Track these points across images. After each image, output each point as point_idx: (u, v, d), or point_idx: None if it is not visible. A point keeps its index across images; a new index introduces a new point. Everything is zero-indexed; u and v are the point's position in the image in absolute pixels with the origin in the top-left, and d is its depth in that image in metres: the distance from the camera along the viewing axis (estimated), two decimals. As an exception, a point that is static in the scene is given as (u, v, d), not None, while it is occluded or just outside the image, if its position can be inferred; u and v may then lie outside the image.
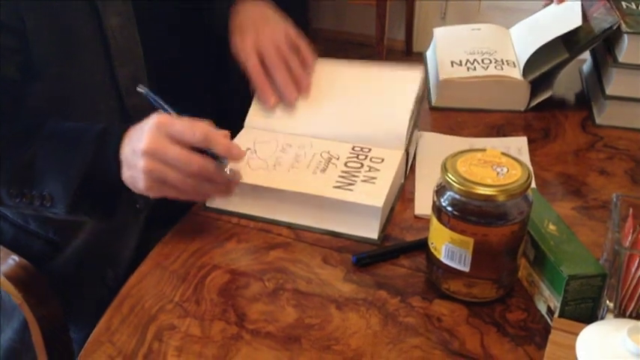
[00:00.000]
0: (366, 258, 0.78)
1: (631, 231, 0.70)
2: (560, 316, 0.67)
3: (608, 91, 1.03)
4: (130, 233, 0.94)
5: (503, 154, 0.72)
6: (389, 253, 0.80)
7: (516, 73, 1.09)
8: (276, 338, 0.68)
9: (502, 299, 0.73)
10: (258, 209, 0.84)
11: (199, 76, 1.02)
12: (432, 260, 0.74)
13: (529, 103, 1.09)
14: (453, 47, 1.18)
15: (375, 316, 0.72)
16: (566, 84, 1.17)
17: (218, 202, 0.86)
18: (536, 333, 0.69)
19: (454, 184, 0.68)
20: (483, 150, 0.73)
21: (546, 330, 0.67)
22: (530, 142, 1.01)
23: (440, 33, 1.25)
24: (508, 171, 0.70)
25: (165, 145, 0.73)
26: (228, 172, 0.78)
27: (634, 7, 1.06)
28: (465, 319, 0.71)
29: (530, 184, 0.69)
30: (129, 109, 0.88)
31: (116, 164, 0.77)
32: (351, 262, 0.78)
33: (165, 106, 0.79)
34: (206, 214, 0.86)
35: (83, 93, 0.86)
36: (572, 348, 0.59)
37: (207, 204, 0.87)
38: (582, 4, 1.08)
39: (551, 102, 1.11)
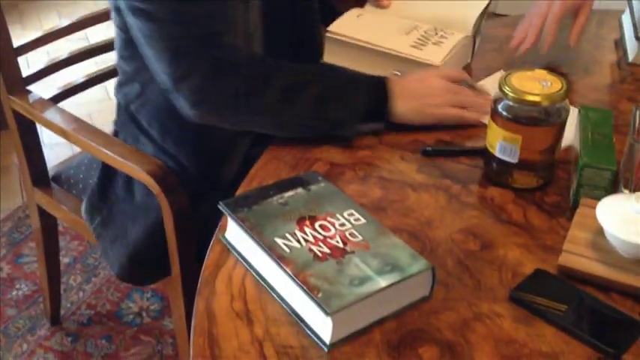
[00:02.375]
0: (431, 151, 1.00)
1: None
2: (574, 197, 0.88)
3: (639, 34, 1.21)
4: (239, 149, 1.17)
5: (548, 72, 0.93)
6: (450, 152, 1.02)
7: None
8: (367, 208, 0.90)
9: (542, 187, 0.95)
10: (358, 65, 1.10)
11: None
12: (489, 155, 0.95)
13: None
14: None
15: (442, 196, 0.94)
16: (607, 31, 1.36)
17: (332, 57, 1.14)
18: (567, 210, 0.90)
19: (509, 93, 0.89)
20: (533, 69, 0.93)
21: (576, 209, 0.88)
22: (571, 75, 1.20)
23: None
24: (551, 85, 0.90)
25: (451, 88, 1.06)
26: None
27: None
28: (512, 200, 0.93)
29: (566, 96, 0.89)
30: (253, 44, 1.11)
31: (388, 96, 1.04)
32: (422, 158, 1.00)
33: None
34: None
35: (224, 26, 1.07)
36: (594, 217, 0.80)
37: (325, 59, 1.14)
38: None
39: (594, 44, 1.30)
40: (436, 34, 1.16)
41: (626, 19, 1.33)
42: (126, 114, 1.24)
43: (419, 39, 1.14)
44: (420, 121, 1.05)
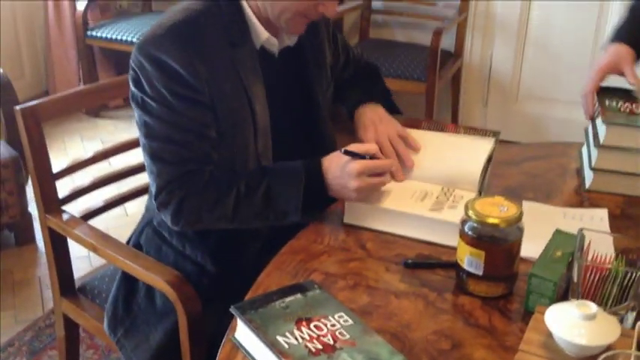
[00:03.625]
0: (411, 263, 1.18)
1: (588, 252, 1.08)
2: (525, 303, 1.05)
3: (593, 165, 1.42)
4: (249, 263, 1.36)
5: (505, 198, 1.12)
6: (427, 264, 1.19)
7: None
8: (356, 312, 1.06)
9: (505, 296, 1.11)
10: (380, 225, 1.28)
11: (308, 146, 1.46)
12: (459, 268, 1.13)
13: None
14: None
15: (420, 302, 1.10)
16: (568, 160, 1.57)
17: (354, 220, 1.30)
18: (525, 315, 1.06)
19: (473, 216, 1.08)
20: (493, 196, 1.13)
21: (531, 314, 1.04)
22: (534, 200, 1.39)
23: None
24: (508, 209, 1.09)
25: (366, 184, 1.26)
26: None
27: (614, 104, 1.46)
28: (480, 306, 1.09)
29: (520, 218, 1.08)
30: (261, 159, 1.35)
31: (323, 185, 1.28)
32: (404, 269, 1.17)
33: (355, 154, 1.29)
34: (303, 242, 1.27)
35: (242, 152, 1.33)
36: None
37: (345, 221, 1.30)
38: None
39: (557, 173, 1.50)
40: (447, 198, 1.30)
41: (584, 151, 1.54)
42: (150, 228, 1.45)
43: (435, 204, 1.28)
44: (349, 200, 1.30)
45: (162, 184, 1.30)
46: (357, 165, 1.27)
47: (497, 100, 3.59)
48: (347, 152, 1.29)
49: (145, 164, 1.35)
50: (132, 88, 1.31)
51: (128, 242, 1.55)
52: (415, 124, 1.47)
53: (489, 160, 1.39)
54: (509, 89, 3.54)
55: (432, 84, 3.09)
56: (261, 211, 1.29)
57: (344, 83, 1.57)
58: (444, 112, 3.65)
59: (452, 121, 3.64)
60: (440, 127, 1.48)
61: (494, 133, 1.44)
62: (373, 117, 1.45)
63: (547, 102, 3.42)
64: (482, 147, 1.40)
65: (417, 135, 1.43)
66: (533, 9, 3.36)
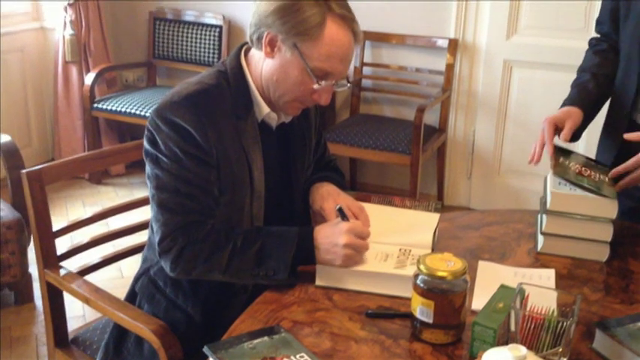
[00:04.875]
0: (372, 314, 1.31)
1: (526, 303, 1.21)
2: (470, 349, 1.17)
3: (543, 229, 1.56)
4: (235, 313, 1.49)
5: (453, 255, 1.26)
6: (386, 315, 1.32)
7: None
8: (318, 355, 1.19)
9: (454, 343, 1.23)
10: (350, 285, 1.41)
11: (286, 212, 1.62)
12: (413, 317, 1.25)
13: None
14: None
15: (377, 348, 1.23)
16: (525, 226, 1.71)
17: (325, 281, 1.42)
18: None
19: (423, 270, 1.22)
20: (442, 253, 1.27)
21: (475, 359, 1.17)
22: (489, 260, 1.53)
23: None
24: (454, 264, 1.23)
25: (355, 241, 1.39)
26: None
27: (567, 162, 1.61)
28: (430, 352, 1.22)
29: (465, 272, 1.22)
30: (254, 220, 1.52)
31: (313, 249, 1.41)
32: (365, 318, 1.30)
33: (345, 218, 1.46)
34: (275, 294, 1.40)
35: (238, 211, 1.49)
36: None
37: (317, 283, 1.42)
38: None
39: (512, 237, 1.65)
40: (407, 257, 1.43)
41: (539, 217, 1.69)
42: (146, 277, 1.59)
43: (397, 263, 1.41)
44: (335, 261, 1.41)
45: (167, 231, 1.43)
46: (348, 223, 1.43)
47: (481, 173, 3.77)
48: (340, 210, 1.46)
49: (152, 213, 1.49)
50: (147, 146, 1.48)
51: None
52: (365, 198, 1.63)
53: (436, 227, 1.56)
54: (491, 163, 3.72)
55: (416, 157, 3.27)
56: (252, 267, 1.42)
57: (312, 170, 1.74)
58: (429, 183, 3.82)
59: (437, 193, 3.81)
60: (388, 201, 1.65)
61: (436, 207, 1.62)
62: (329, 189, 1.60)
63: (527, 175, 3.59)
64: (431, 218, 1.57)
65: (370, 208, 1.58)
66: (512, 88, 3.58)
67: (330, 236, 1.41)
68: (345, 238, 1.39)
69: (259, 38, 1.45)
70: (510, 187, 3.70)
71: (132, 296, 1.63)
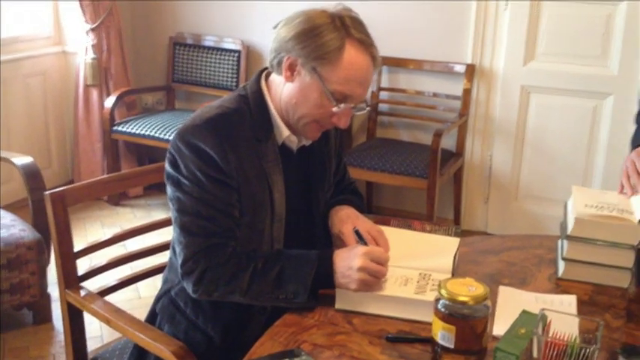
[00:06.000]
0: (392, 338, 1.30)
1: (549, 329, 1.21)
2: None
3: (564, 255, 1.56)
4: (254, 335, 1.49)
5: (474, 280, 1.25)
6: (407, 339, 1.31)
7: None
8: (339, 379, 1.19)
9: (475, 368, 1.23)
10: (370, 309, 1.40)
11: (307, 235, 1.63)
12: (434, 342, 1.25)
13: None
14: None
15: (398, 372, 1.22)
16: (545, 251, 1.70)
17: (345, 305, 1.42)
18: (492, 385, 1.18)
19: (445, 294, 1.22)
20: (464, 277, 1.27)
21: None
22: (509, 285, 1.53)
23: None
24: (476, 289, 1.23)
25: (370, 265, 1.39)
26: None
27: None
28: (451, 377, 1.21)
29: (487, 297, 1.22)
30: (274, 242, 1.53)
31: (332, 272, 1.41)
32: (385, 342, 1.30)
33: (363, 240, 1.47)
34: (295, 316, 1.40)
35: (258, 234, 1.50)
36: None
37: (337, 307, 1.42)
38: None
39: (533, 262, 1.64)
40: (427, 282, 1.43)
41: (560, 243, 1.68)
42: (166, 298, 1.60)
43: (418, 288, 1.41)
44: (351, 285, 1.40)
45: (189, 254, 1.45)
46: (366, 247, 1.44)
47: (498, 198, 3.76)
48: (357, 232, 1.49)
49: (174, 235, 1.51)
50: (168, 169, 1.50)
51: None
52: (385, 222, 1.64)
53: (457, 251, 1.56)
54: (508, 188, 3.71)
55: (433, 181, 3.27)
56: (272, 290, 1.42)
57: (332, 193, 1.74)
58: (446, 208, 3.81)
59: (454, 217, 3.80)
60: (407, 225, 1.65)
61: (457, 232, 1.61)
62: (349, 213, 1.61)
63: (545, 201, 3.58)
64: (451, 243, 1.57)
65: (390, 232, 1.58)
66: (530, 112, 3.58)
67: (347, 259, 1.42)
68: (359, 261, 1.39)
69: (279, 63, 1.47)
70: (528, 212, 3.68)
71: (152, 317, 1.64)
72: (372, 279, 1.40)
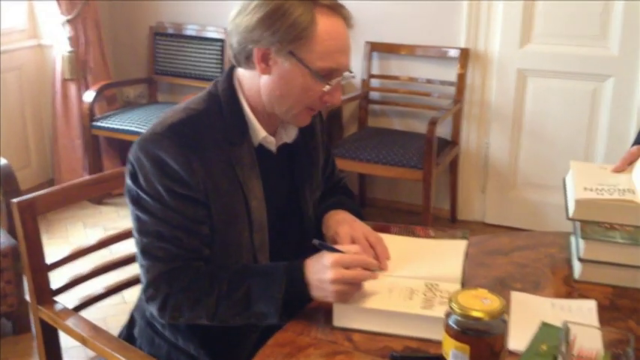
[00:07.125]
0: (398, 356, 1.17)
1: (573, 345, 1.08)
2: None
3: (580, 255, 1.43)
4: (246, 353, 1.36)
5: (489, 292, 1.12)
6: (414, 358, 1.18)
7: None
8: (341, 408, 1.06)
9: (492, 391, 1.10)
10: (371, 326, 1.26)
11: (296, 240, 1.49)
12: (444, 362, 1.12)
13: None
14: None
15: (406, 398, 1.09)
16: (558, 250, 1.58)
17: (343, 322, 1.27)
18: (512, 411, 1.05)
19: (456, 309, 1.08)
20: (476, 289, 1.13)
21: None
22: (522, 290, 1.40)
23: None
24: (491, 302, 1.09)
25: (342, 274, 1.24)
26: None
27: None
28: (466, 402, 1.08)
29: (504, 311, 1.08)
30: (257, 253, 1.38)
31: (304, 286, 1.27)
32: (390, 363, 1.17)
33: (332, 248, 1.31)
34: (289, 334, 1.27)
35: (236, 247, 1.36)
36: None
37: (335, 324, 1.27)
38: None
39: (545, 263, 1.51)
40: (434, 294, 1.29)
41: (573, 241, 1.55)
42: (143, 321, 1.46)
43: (424, 301, 1.27)
44: (327, 297, 1.27)
45: (150, 279, 1.33)
46: (332, 256, 1.28)
47: (495, 187, 3.63)
48: (321, 244, 1.32)
49: (137, 257, 1.37)
50: (128, 181, 1.35)
51: (120, 335, 1.55)
52: (385, 229, 1.50)
53: (466, 255, 1.42)
54: (506, 176, 3.59)
55: (429, 171, 3.14)
56: (241, 312, 1.30)
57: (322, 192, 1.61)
58: (441, 198, 3.69)
59: (450, 208, 3.68)
60: (410, 231, 1.51)
61: (464, 235, 1.47)
62: (346, 217, 1.48)
63: (544, 189, 3.46)
64: (457, 246, 1.43)
65: (390, 240, 1.44)
66: (527, 97, 3.45)
67: (318, 272, 1.27)
68: (330, 273, 1.25)
69: (248, 57, 1.32)
70: (527, 200, 3.56)
71: (130, 338, 1.50)
72: (349, 287, 1.26)
